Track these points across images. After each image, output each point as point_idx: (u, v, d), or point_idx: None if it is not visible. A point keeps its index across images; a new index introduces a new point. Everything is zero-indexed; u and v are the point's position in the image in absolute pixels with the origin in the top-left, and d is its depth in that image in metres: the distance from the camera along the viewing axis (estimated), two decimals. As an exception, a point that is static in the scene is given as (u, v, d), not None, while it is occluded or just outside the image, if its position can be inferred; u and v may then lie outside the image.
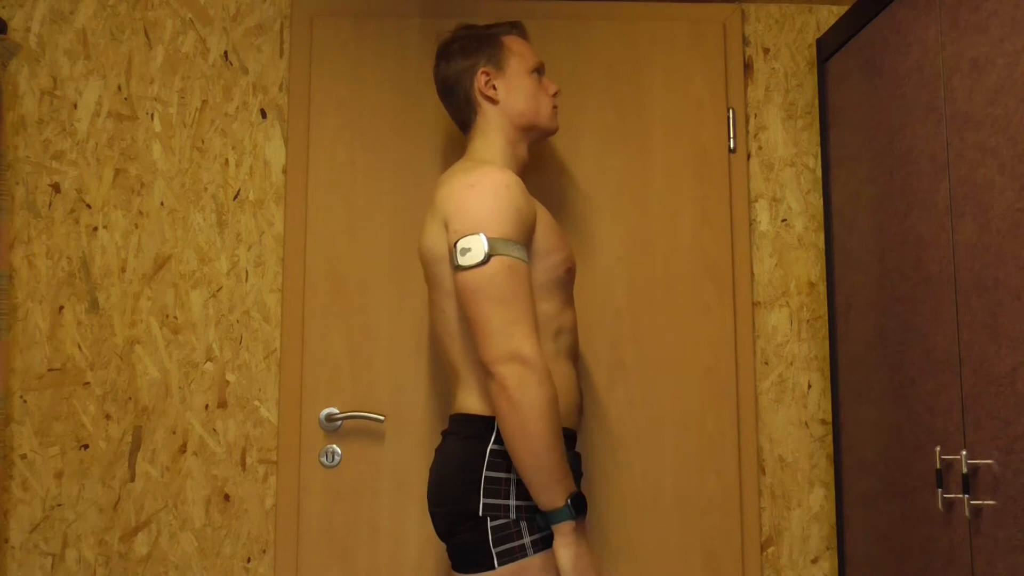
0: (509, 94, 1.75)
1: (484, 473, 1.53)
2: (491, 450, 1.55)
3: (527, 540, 1.51)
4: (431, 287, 1.67)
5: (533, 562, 1.50)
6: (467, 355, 1.62)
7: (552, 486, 1.47)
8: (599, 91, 2.28)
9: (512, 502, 1.52)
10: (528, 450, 1.45)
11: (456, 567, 1.57)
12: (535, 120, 1.77)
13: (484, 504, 1.52)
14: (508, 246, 1.52)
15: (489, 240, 1.51)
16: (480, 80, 1.75)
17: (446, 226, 1.58)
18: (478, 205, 1.54)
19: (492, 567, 1.50)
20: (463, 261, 1.51)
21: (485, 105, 1.76)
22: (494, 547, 1.50)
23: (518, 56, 1.78)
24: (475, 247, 1.51)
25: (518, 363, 1.46)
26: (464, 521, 1.54)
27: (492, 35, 1.80)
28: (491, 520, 1.52)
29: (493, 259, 1.50)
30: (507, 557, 1.50)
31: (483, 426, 1.58)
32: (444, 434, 1.67)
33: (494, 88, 1.75)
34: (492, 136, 1.75)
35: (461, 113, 1.79)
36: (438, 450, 1.66)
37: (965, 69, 1.64)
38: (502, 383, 1.46)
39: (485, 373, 1.49)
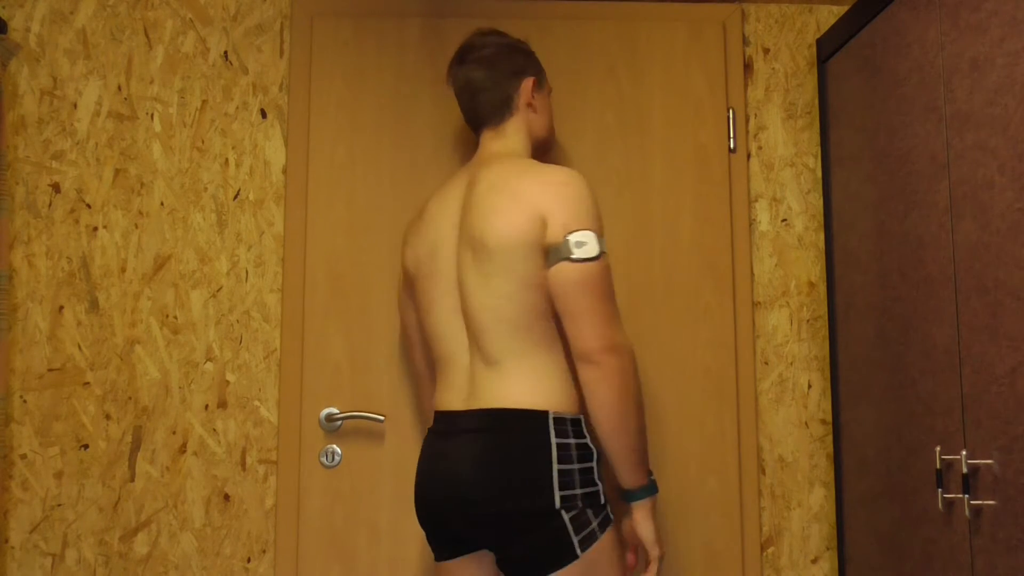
0: (541, 110, 1.86)
1: (556, 467, 1.57)
2: (557, 444, 1.59)
3: (595, 524, 1.58)
4: (490, 274, 1.63)
5: (603, 543, 1.58)
6: (519, 345, 1.63)
7: (641, 466, 1.61)
8: (599, 91, 2.28)
9: (579, 491, 1.58)
10: (628, 433, 1.58)
11: (527, 571, 1.57)
12: (548, 141, 1.90)
13: (561, 497, 1.56)
14: (605, 245, 1.64)
15: (599, 238, 1.61)
16: (528, 87, 1.81)
17: (543, 218, 1.61)
18: (582, 202, 1.63)
19: (575, 557, 1.55)
20: (579, 253, 1.58)
21: (523, 110, 1.82)
22: (575, 536, 1.56)
23: (547, 80, 1.91)
24: (590, 242, 1.59)
25: (623, 353, 1.57)
26: (537, 519, 1.56)
27: (534, 54, 1.91)
28: (567, 512, 1.56)
29: (602, 256, 1.60)
30: (585, 544, 1.56)
31: (539, 420, 1.60)
32: (471, 431, 1.62)
33: (533, 99, 1.83)
34: (523, 139, 1.82)
35: (492, 110, 1.80)
36: (461, 446, 1.62)
37: (965, 69, 1.64)
38: (608, 370, 1.56)
39: (583, 361, 1.57)
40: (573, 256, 1.58)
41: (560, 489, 1.56)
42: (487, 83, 1.80)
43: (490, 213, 1.65)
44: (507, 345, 1.63)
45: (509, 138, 1.80)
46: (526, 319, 1.63)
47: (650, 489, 1.63)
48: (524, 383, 1.62)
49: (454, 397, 1.70)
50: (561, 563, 1.55)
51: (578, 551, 1.55)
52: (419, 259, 1.78)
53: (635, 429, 1.59)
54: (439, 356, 1.74)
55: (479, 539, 1.62)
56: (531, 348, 1.63)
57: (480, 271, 1.65)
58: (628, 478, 1.61)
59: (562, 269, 1.59)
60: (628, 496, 1.62)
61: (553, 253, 1.60)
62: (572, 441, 1.60)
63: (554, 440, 1.59)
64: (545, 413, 1.61)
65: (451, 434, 1.66)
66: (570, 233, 1.59)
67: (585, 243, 1.59)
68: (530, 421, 1.60)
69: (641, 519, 1.62)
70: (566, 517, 1.56)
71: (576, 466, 1.59)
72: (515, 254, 1.62)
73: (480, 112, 1.81)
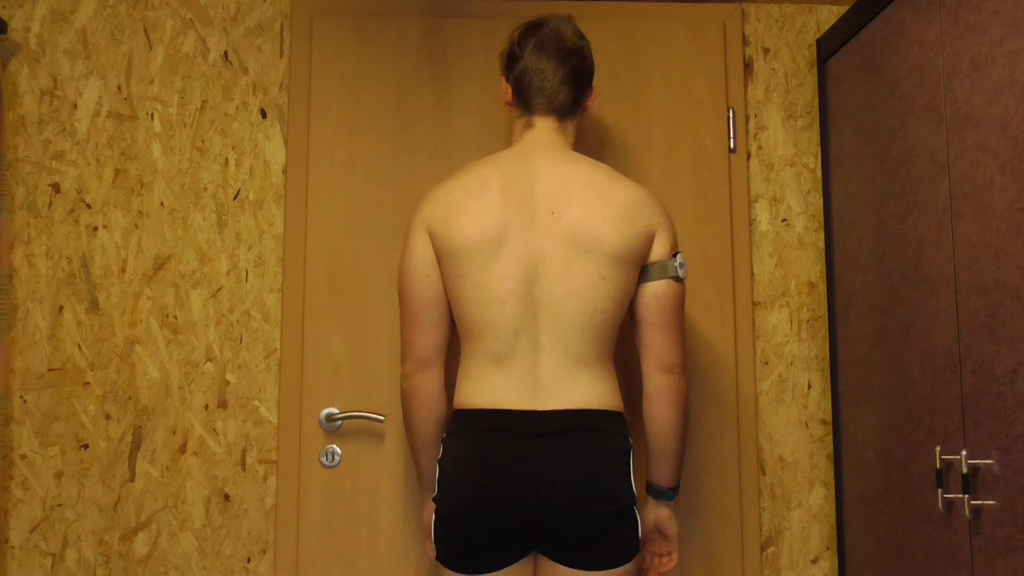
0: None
1: (632, 467, 1.65)
2: (631, 444, 1.67)
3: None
4: (606, 278, 1.63)
5: None
6: (606, 348, 1.68)
7: (681, 467, 1.77)
8: (599, 91, 2.28)
9: (635, 490, 1.66)
10: (684, 438, 1.73)
11: (603, 565, 1.61)
12: None
13: (636, 494, 1.65)
14: None
15: None
16: (592, 96, 1.84)
17: (653, 235, 1.69)
18: (674, 225, 1.77)
19: (638, 550, 1.65)
20: (681, 274, 1.70)
21: (580, 114, 1.83)
22: (640, 532, 1.65)
23: None
24: (686, 264, 1.72)
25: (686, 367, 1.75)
26: (620, 516, 1.61)
27: None
28: (636, 510, 1.65)
29: None
30: (640, 537, 1.66)
31: (620, 422, 1.67)
32: (572, 431, 1.60)
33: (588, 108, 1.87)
34: (574, 139, 1.83)
35: (566, 105, 1.77)
36: (566, 448, 1.60)
37: (965, 69, 1.64)
38: (684, 382, 1.71)
39: (664, 371, 1.68)
40: (677, 275, 1.69)
41: (636, 487, 1.66)
42: (574, 78, 1.77)
43: (612, 221, 1.64)
44: (598, 347, 1.66)
45: (568, 135, 1.80)
46: (618, 325, 1.69)
47: (679, 488, 1.78)
48: (607, 385, 1.67)
49: (520, 395, 1.62)
50: (630, 558, 1.64)
51: (639, 546, 1.65)
52: (478, 237, 1.64)
53: (686, 435, 1.74)
54: (495, 349, 1.63)
55: (562, 541, 1.60)
56: (610, 352, 1.69)
57: (593, 272, 1.63)
58: (672, 477, 1.75)
59: (667, 286, 1.68)
60: (666, 494, 1.75)
61: (658, 270, 1.69)
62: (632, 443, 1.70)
63: (631, 441, 1.67)
64: (622, 414, 1.69)
65: (543, 435, 1.60)
66: (676, 254, 1.71)
67: (685, 265, 1.72)
68: (618, 423, 1.67)
69: (672, 514, 1.77)
70: (636, 514, 1.64)
71: (634, 466, 1.69)
72: (631, 264, 1.67)
73: (554, 102, 1.76)
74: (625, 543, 1.62)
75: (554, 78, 1.75)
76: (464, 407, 1.66)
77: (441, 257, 1.68)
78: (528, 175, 1.68)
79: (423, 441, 1.75)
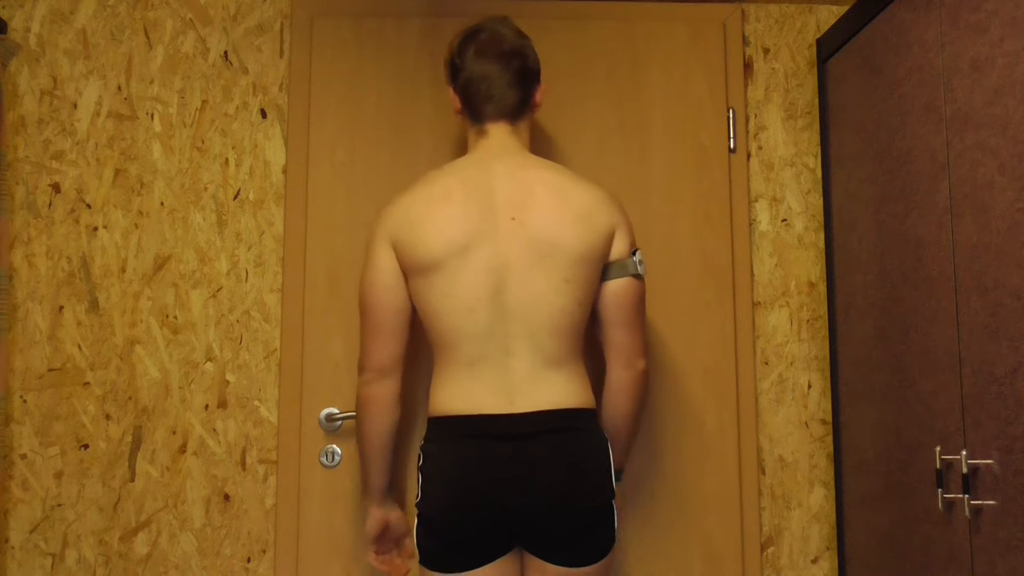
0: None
1: (612, 462, 1.70)
2: (606, 439, 1.71)
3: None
4: (569, 280, 1.66)
5: None
6: (575, 348, 1.70)
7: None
8: (599, 91, 2.28)
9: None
10: (639, 424, 1.82)
11: (586, 560, 1.65)
12: None
13: (614, 489, 1.69)
14: None
15: None
16: (542, 92, 1.84)
17: (613, 234, 1.71)
18: (631, 223, 1.80)
19: (615, 541, 1.69)
20: (640, 271, 1.74)
21: (531, 111, 1.83)
22: (616, 523, 1.69)
23: None
24: (643, 261, 1.76)
25: None
26: (604, 511, 1.66)
27: None
28: (613, 503, 1.68)
29: None
30: (616, 529, 1.70)
31: (596, 419, 1.71)
32: (552, 431, 1.63)
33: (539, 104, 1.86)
34: (528, 139, 1.83)
35: (515, 107, 1.77)
36: (550, 448, 1.62)
37: (965, 69, 1.64)
38: (646, 375, 1.77)
39: (627, 366, 1.73)
40: (637, 272, 1.73)
41: (615, 482, 1.71)
42: (518, 79, 1.77)
43: (573, 223, 1.66)
44: (568, 348, 1.68)
45: (522, 135, 1.81)
46: (585, 324, 1.72)
47: (623, 468, 1.89)
48: (580, 383, 1.70)
49: (495, 400, 1.64)
50: (609, 550, 1.68)
51: (615, 537, 1.69)
52: (446, 248, 1.65)
53: (640, 422, 1.86)
54: (468, 356, 1.65)
55: (550, 539, 1.63)
56: (579, 350, 1.72)
57: (557, 276, 1.65)
58: (622, 460, 1.84)
59: (628, 283, 1.72)
60: (617, 475, 1.80)
61: (618, 268, 1.71)
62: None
63: (605, 435, 1.72)
64: (595, 410, 1.72)
65: (525, 437, 1.62)
66: (635, 251, 1.74)
67: (642, 262, 1.75)
68: (594, 419, 1.70)
69: (617, 495, 1.79)
70: (614, 506, 1.68)
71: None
72: (594, 265, 1.69)
73: (503, 107, 1.77)
74: (604, 538, 1.66)
75: (499, 82, 1.75)
76: (441, 414, 1.68)
77: (407, 268, 1.70)
78: (487, 182, 1.70)
79: (374, 449, 1.78)
